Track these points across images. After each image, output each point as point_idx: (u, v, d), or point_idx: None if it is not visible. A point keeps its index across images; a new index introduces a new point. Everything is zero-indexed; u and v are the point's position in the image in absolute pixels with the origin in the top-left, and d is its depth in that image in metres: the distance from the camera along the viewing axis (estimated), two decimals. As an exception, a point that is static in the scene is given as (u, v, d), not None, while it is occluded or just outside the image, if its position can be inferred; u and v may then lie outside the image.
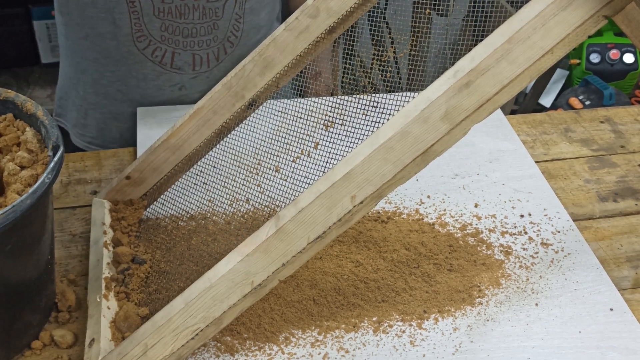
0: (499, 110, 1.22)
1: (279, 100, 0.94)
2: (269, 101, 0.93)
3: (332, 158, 0.79)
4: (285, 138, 0.88)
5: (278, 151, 0.89)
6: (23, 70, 2.35)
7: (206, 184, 0.93)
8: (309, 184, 0.79)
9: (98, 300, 0.81)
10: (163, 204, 0.95)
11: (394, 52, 0.87)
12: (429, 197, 1.02)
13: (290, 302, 0.84)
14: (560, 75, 2.52)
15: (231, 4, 1.14)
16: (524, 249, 0.94)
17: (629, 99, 2.37)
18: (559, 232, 0.96)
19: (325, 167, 0.79)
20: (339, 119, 0.85)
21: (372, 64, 0.88)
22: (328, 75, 1.21)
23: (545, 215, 0.99)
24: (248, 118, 0.93)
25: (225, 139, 0.94)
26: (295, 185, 0.81)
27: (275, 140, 0.91)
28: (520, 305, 0.85)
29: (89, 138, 1.27)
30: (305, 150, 0.85)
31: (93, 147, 1.27)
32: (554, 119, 1.23)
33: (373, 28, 0.90)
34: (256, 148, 0.94)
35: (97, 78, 1.20)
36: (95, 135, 1.26)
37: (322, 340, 0.81)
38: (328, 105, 0.88)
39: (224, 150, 0.93)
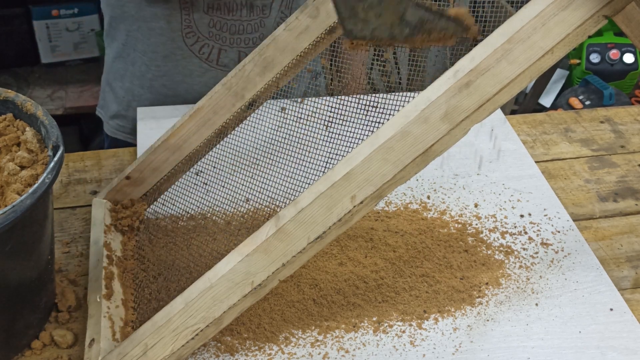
0: (499, 110, 1.22)
1: (279, 100, 0.94)
2: (269, 101, 0.93)
3: (332, 158, 0.79)
4: (285, 138, 0.88)
5: (278, 151, 0.89)
6: (23, 70, 2.34)
7: (206, 184, 0.93)
8: (309, 184, 0.79)
9: (98, 300, 0.81)
10: (163, 204, 0.95)
11: (394, 52, 0.87)
12: (429, 197, 1.02)
13: (290, 302, 0.84)
14: (560, 75, 2.52)
15: (278, 2, 1.15)
16: (524, 249, 0.93)
17: (629, 99, 2.36)
18: (559, 232, 0.96)
19: (325, 167, 0.79)
20: (339, 119, 0.85)
21: (372, 64, 0.88)
22: (362, 73, 1.21)
23: (545, 215, 0.99)
24: (248, 118, 0.93)
25: (225, 139, 0.94)
26: (295, 185, 0.81)
27: (275, 140, 0.91)
28: (520, 305, 0.85)
29: (130, 129, 1.27)
30: (305, 150, 0.85)
31: (132, 138, 1.27)
32: (554, 119, 1.23)
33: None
34: (256, 148, 0.94)
35: (144, 71, 1.21)
36: (130, 132, 1.26)
37: (322, 340, 0.81)
38: (328, 105, 0.88)
39: (224, 150, 0.93)
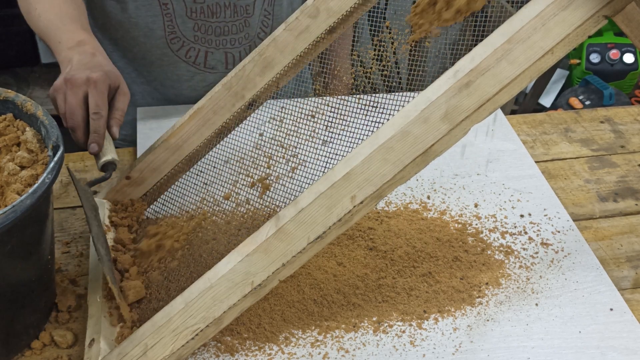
0: (499, 110, 1.22)
1: (279, 100, 0.94)
2: (269, 101, 0.93)
3: (332, 158, 0.79)
4: (285, 138, 0.88)
5: (278, 151, 0.89)
6: (23, 70, 2.34)
7: (206, 184, 0.93)
8: (309, 184, 0.79)
9: (98, 300, 0.81)
10: (163, 204, 0.95)
11: (394, 52, 0.87)
12: (429, 197, 1.02)
13: (290, 302, 0.84)
14: (560, 75, 2.52)
15: (261, 1, 1.16)
16: (524, 249, 0.93)
17: (629, 99, 2.36)
18: (559, 232, 0.96)
19: (325, 167, 0.79)
20: (339, 118, 0.85)
21: (372, 64, 0.88)
22: (348, 74, 1.22)
23: (545, 215, 0.99)
24: (248, 118, 0.93)
25: (225, 139, 0.94)
26: (295, 185, 0.81)
27: (275, 140, 0.91)
28: (520, 305, 0.85)
29: (123, 135, 1.27)
30: (306, 150, 0.85)
31: (126, 144, 1.27)
32: (554, 119, 1.23)
33: (373, 28, 0.90)
34: (256, 148, 0.94)
35: (135, 77, 1.22)
36: (130, 132, 1.27)
37: (322, 340, 0.81)
38: (328, 105, 0.88)
39: (224, 150, 0.93)
